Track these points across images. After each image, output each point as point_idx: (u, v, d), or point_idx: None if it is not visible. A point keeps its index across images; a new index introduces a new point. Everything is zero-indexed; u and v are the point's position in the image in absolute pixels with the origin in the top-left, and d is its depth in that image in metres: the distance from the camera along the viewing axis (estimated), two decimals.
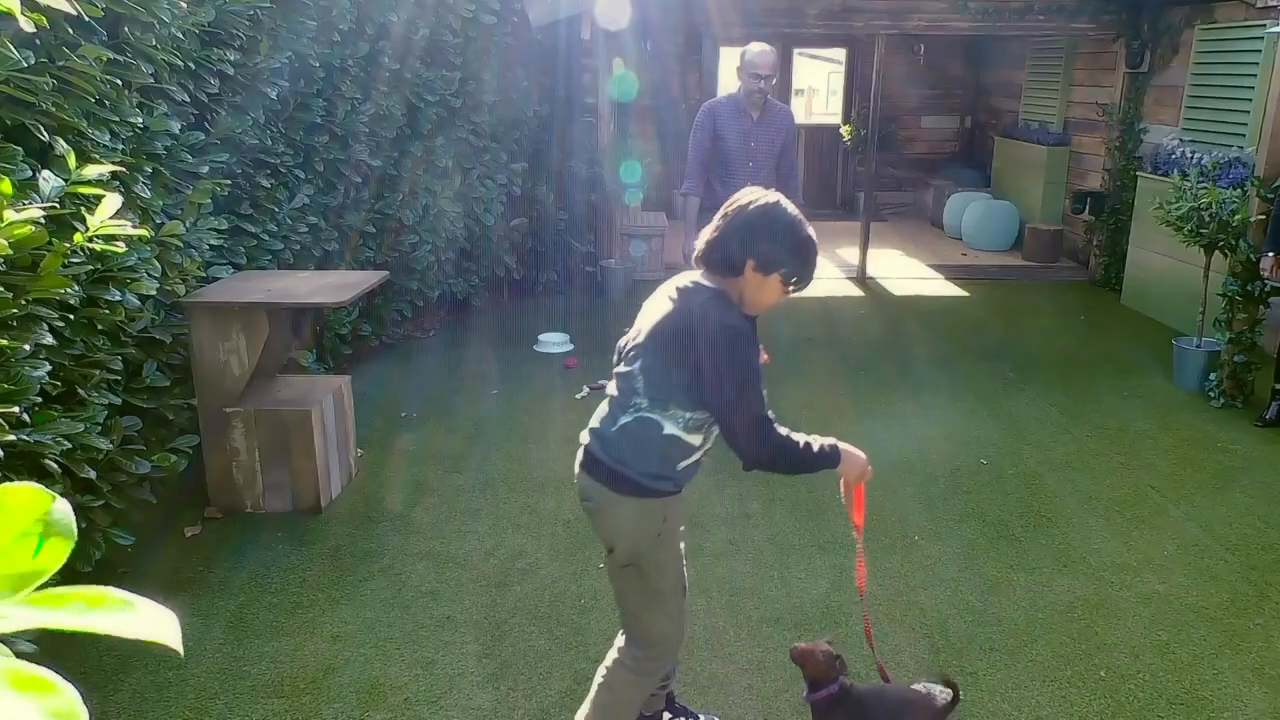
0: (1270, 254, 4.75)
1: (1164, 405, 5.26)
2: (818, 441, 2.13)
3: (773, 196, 2.15)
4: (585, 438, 2.23)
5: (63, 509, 0.61)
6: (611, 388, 2.21)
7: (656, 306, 2.15)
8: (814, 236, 2.14)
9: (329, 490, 3.98)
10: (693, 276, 2.16)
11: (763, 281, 2.09)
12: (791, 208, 2.15)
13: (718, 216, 2.16)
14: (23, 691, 0.52)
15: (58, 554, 0.59)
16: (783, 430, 2.07)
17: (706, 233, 2.16)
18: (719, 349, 2.01)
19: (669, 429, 2.09)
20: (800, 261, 2.10)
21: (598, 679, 2.37)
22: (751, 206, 2.12)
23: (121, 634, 0.57)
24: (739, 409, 2.01)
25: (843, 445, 2.18)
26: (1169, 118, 7.33)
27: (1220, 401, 5.19)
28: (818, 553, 3.65)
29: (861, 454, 2.22)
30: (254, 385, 3.86)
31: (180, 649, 0.60)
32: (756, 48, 4.62)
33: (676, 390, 2.07)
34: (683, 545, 2.33)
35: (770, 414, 2.05)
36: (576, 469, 2.24)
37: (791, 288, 2.13)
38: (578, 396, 5.30)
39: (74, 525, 0.61)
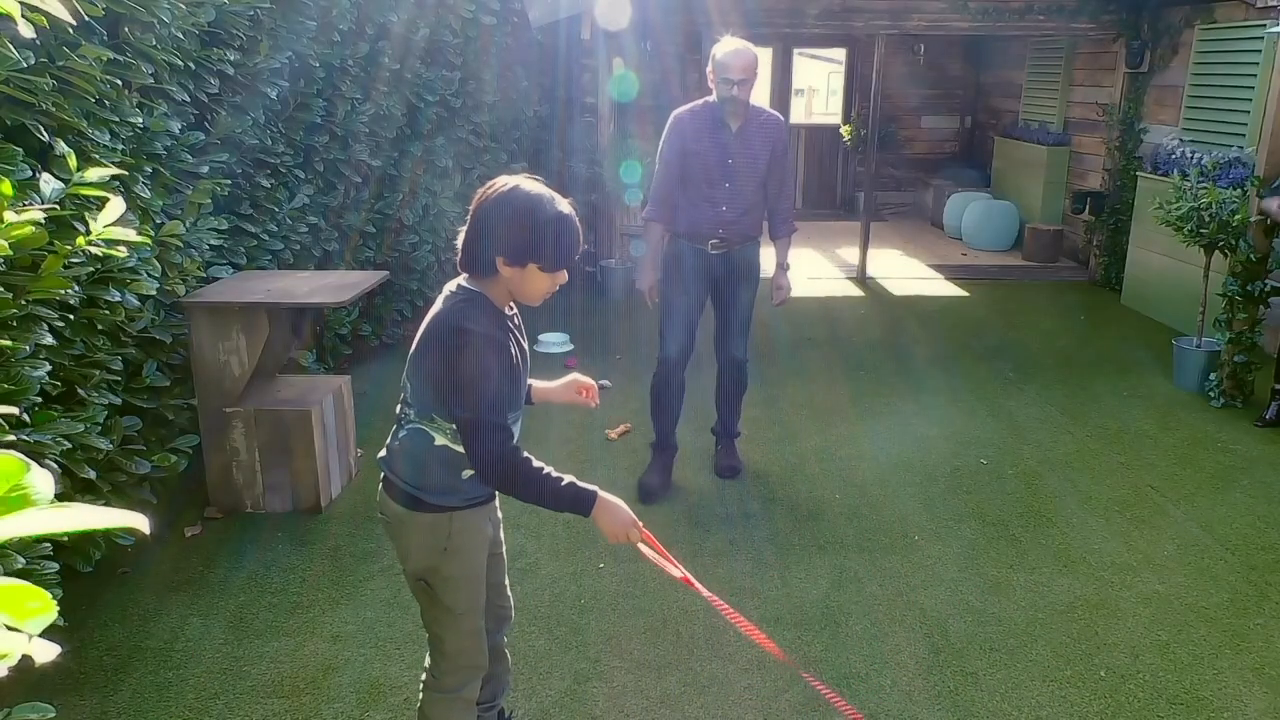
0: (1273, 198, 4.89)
1: (1164, 405, 5.26)
2: (571, 481, 1.97)
3: (509, 183, 1.97)
4: (381, 453, 2.17)
5: (40, 477, 0.61)
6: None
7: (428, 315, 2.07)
8: (562, 212, 1.96)
9: (329, 490, 3.98)
10: (459, 281, 2.05)
11: (522, 274, 1.96)
12: (533, 189, 1.96)
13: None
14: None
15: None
16: (524, 455, 1.96)
17: (461, 233, 2.02)
18: (450, 352, 1.93)
19: (439, 440, 2.01)
20: (551, 245, 1.95)
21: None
22: (488, 199, 1.96)
23: (90, 527, 0.60)
24: (464, 411, 1.92)
25: (606, 497, 1.99)
26: (1169, 118, 7.33)
27: (1220, 401, 5.19)
28: (817, 553, 3.65)
29: (627, 513, 1.99)
30: (254, 385, 3.86)
31: (146, 530, 0.62)
32: (729, 45, 3.86)
33: (432, 399, 1.99)
34: (502, 550, 2.22)
35: (506, 424, 1.96)
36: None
37: (556, 274, 2.00)
38: None
39: (51, 493, 0.62)
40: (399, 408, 2.10)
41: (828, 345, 6.40)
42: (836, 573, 3.51)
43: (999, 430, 4.89)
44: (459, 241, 2.03)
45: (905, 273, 8.60)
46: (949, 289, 8.09)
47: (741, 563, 3.59)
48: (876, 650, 3.05)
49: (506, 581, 2.41)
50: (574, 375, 2.36)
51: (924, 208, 11.15)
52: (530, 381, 2.24)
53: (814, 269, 8.69)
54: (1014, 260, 9.13)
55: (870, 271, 8.35)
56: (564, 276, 2.03)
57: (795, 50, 11.41)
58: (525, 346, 2.12)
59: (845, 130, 11.23)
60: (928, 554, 3.66)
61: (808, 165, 11.63)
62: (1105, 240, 8.01)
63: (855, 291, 7.95)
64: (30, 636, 0.58)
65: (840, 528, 3.85)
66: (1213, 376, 5.29)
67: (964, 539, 3.78)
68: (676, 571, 2.10)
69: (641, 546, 2.06)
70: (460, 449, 2.01)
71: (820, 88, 14.52)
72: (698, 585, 2.12)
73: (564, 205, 1.99)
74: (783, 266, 4.16)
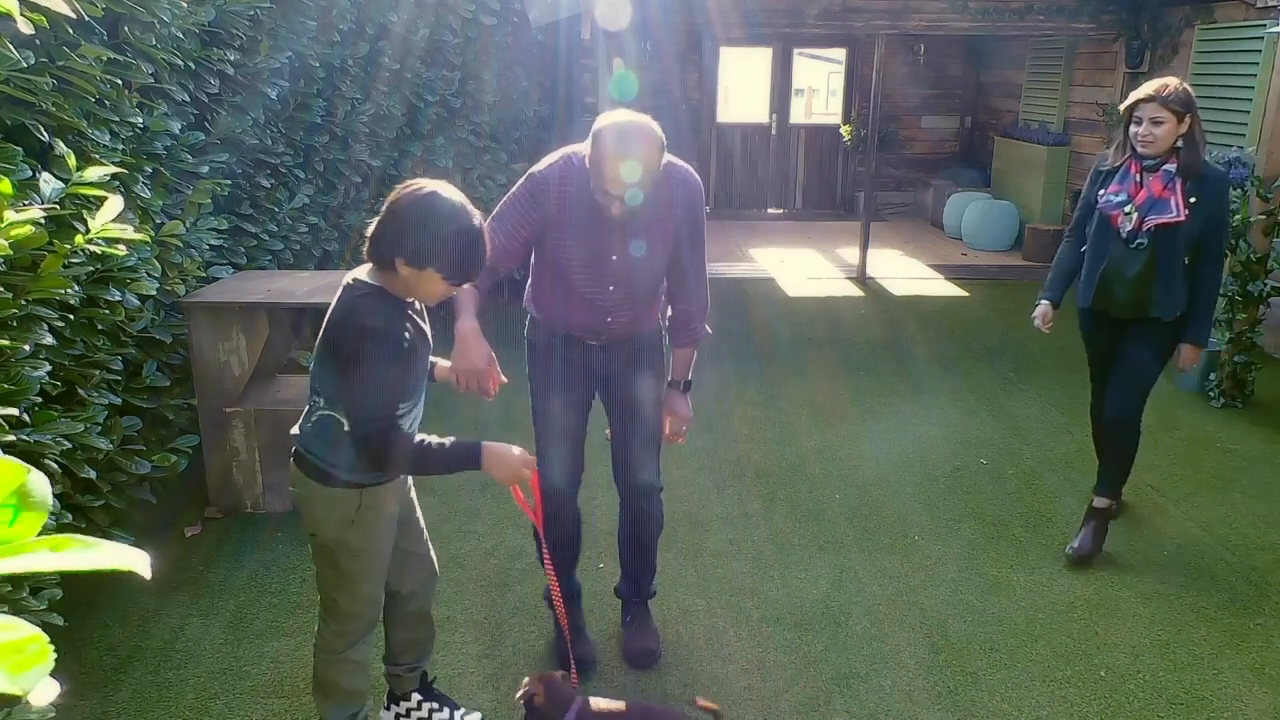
0: (1044, 301, 3.92)
1: (1164, 405, 5.25)
2: (455, 441, 2.11)
3: (428, 187, 2.01)
4: (294, 430, 2.29)
5: (37, 481, 0.62)
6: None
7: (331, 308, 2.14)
8: (472, 227, 2.00)
9: None
10: (358, 272, 2.10)
11: (418, 276, 2.01)
12: (451, 196, 2.00)
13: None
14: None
15: (32, 524, 0.62)
16: (405, 434, 2.08)
17: (373, 224, 2.06)
18: (351, 349, 2.01)
19: (347, 426, 2.10)
20: (454, 256, 1.99)
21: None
22: (404, 199, 2.00)
23: (91, 568, 0.60)
24: (355, 407, 2.04)
25: (490, 446, 2.13)
26: None
27: (1220, 402, 5.20)
28: (818, 553, 3.65)
29: (514, 454, 2.14)
30: (254, 385, 3.86)
31: (148, 574, 0.62)
32: (618, 130, 2.41)
33: (338, 388, 2.08)
34: (419, 521, 2.37)
35: (392, 415, 2.06)
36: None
37: (454, 283, 2.05)
38: None
39: (49, 497, 0.63)
40: (309, 393, 2.21)
41: (828, 345, 6.41)
42: (836, 573, 3.51)
43: (999, 430, 4.89)
44: (369, 231, 2.08)
45: (905, 273, 8.60)
46: (949, 289, 8.10)
47: (741, 563, 3.59)
48: (876, 650, 3.05)
49: (430, 551, 2.53)
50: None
51: (924, 208, 11.15)
52: (434, 360, 2.34)
53: (814, 269, 8.69)
54: (1014, 260, 9.12)
55: (870, 271, 8.35)
56: (459, 286, 2.11)
57: (795, 50, 11.40)
58: (426, 329, 2.19)
59: (845, 130, 11.23)
60: (928, 554, 3.66)
61: (808, 165, 11.63)
62: None
63: (855, 291, 7.95)
64: (25, 693, 0.57)
65: (840, 528, 3.85)
66: (1213, 377, 5.29)
67: (964, 539, 3.78)
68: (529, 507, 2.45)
69: (518, 488, 2.28)
70: None
71: (820, 88, 14.50)
72: (537, 519, 2.54)
73: (476, 219, 2.03)
74: (680, 386, 2.86)
